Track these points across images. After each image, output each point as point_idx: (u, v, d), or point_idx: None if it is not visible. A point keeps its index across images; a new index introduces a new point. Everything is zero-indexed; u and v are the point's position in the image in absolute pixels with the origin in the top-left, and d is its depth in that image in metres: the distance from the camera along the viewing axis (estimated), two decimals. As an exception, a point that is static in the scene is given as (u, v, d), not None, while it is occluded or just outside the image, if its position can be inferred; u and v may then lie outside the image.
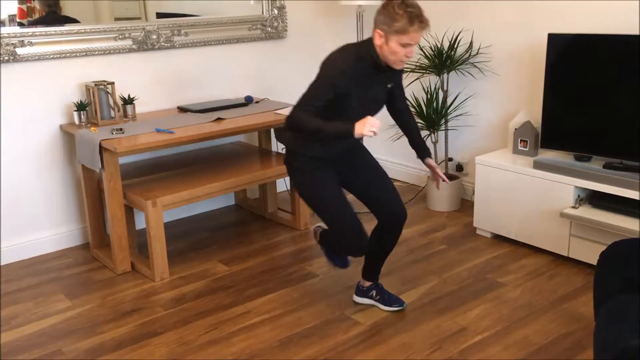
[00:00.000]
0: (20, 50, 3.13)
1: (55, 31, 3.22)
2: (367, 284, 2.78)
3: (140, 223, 3.63)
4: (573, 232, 3.04)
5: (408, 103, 2.76)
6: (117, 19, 3.44)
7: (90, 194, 3.28)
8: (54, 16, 3.22)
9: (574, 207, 3.01)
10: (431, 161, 2.66)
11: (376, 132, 2.26)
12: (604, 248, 2.22)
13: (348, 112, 2.38)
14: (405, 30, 2.25)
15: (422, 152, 2.67)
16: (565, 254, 3.10)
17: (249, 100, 3.74)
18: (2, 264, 3.28)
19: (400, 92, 2.66)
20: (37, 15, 3.19)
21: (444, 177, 2.62)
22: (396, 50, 2.30)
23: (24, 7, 3.15)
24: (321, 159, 2.51)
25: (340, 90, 2.32)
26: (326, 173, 2.52)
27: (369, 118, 2.27)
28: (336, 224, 2.49)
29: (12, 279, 3.14)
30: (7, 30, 3.08)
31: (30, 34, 3.14)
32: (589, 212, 2.96)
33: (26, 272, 3.21)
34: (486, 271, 3.07)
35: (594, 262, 2.95)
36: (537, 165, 3.14)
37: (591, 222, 2.90)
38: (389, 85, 2.52)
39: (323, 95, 2.33)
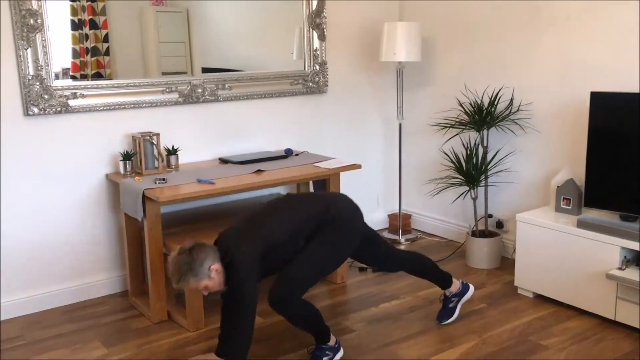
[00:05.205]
0: (72, 102, 3.26)
1: (107, 84, 3.35)
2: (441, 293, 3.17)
3: (178, 272, 3.65)
4: (620, 294, 2.93)
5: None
6: (164, 74, 3.57)
7: (131, 242, 3.34)
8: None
9: (620, 269, 2.92)
10: None
11: None
12: (653, 313, 2.13)
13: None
14: None
15: None
16: (612, 317, 2.99)
17: (289, 153, 3.79)
18: (46, 308, 3.34)
19: None
20: (89, 69, 3.33)
21: None
22: None
23: (77, 61, 3.30)
24: None
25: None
26: None
27: None
28: None
29: (52, 324, 3.18)
30: (60, 82, 3.22)
31: (82, 86, 3.28)
32: (636, 274, 2.86)
33: (66, 317, 3.25)
34: (528, 333, 2.97)
35: (643, 326, 2.83)
36: (581, 225, 3.06)
37: (638, 285, 2.80)
38: None
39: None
